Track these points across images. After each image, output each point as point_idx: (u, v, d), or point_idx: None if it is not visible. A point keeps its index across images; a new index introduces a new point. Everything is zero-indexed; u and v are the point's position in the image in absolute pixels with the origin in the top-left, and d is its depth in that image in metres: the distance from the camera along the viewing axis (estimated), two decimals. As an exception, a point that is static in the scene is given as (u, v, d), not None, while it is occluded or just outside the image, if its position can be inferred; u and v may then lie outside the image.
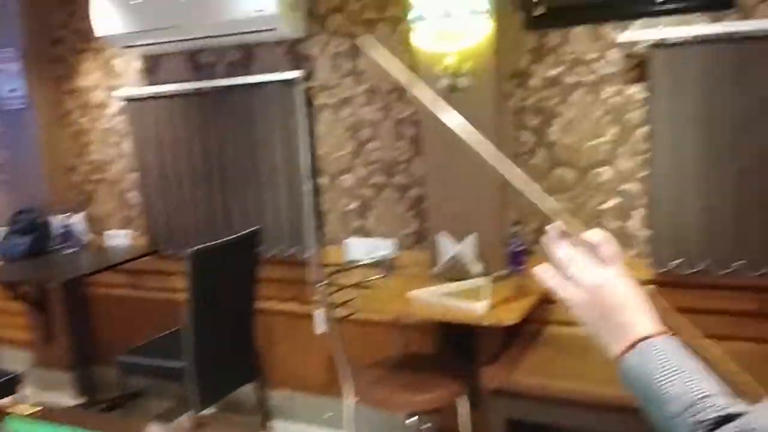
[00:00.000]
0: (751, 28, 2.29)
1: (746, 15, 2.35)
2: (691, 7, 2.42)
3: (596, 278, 0.78)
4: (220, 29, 3.10)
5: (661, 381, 0.70)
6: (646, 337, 0.74)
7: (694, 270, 2.48)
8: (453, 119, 0.87)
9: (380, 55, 0.87)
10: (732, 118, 2.34)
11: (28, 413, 1.55)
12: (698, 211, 2.44)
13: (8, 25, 3.80)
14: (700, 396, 0.68)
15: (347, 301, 2.82)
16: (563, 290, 0.80)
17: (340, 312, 2.89)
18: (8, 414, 1.53)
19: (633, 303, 0.76)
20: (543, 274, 0.82)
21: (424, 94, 0.86)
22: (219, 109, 3.35)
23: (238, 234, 3.17)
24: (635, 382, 0.73)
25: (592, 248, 0.79)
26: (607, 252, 0.79)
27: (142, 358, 3.20)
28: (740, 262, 2.41)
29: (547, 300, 2.78)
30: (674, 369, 0.70)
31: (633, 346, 0.74)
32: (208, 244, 3.04)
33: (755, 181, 2.35)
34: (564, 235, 0.82)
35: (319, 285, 2.74)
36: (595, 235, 0.80)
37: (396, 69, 0.88)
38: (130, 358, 3.22)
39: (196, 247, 2.90)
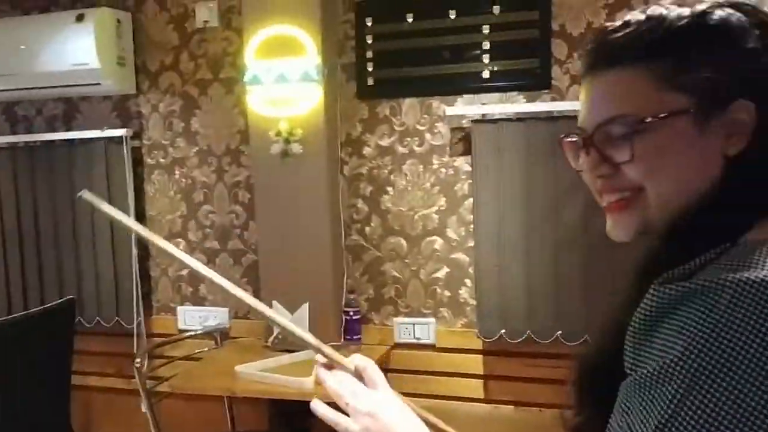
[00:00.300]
0: (564, 108, 2.42)
1: (560, 96, 2.49)
2: (511, 86, 2.53)
3: (369, 405, 0.80)
4: (38, 81, 2.87)
5: None
6: None
7: (519, 340, 2.53)
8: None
9: (105, 207, 0.85)
10: (548, 193, 2.45)
11: None
12: (520, 283, 2.50)
13: None
14: None
15: (170, 377, 2.61)
16: (344, 421, 0.80)
17: (166, 387, 2.68)
18: None
19: (404, 427, 0.79)
20: (320, 408, 0.83)
21: (156, 239, 0.89)
22: (36, 165, 3.08)
23: (48, 305, 2.88)
24: None
25: (358, 374, 0.83)
26: (373, 376, 0.82)
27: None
28: (559, 332, 2.48)
29: (383, 370, 2.73)
30: None
31: None
32: (8, 317, 2.74)
33: (571, 254, 2.45)
34: (330, 366, 0.85)
35: (138, 358, 2.52)
36: (359, 360, 0.84)
37: (124, 219, 0.89)
38: None
39: (-5, 321, 2.59)
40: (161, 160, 3.00)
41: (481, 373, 2.67)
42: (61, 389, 2.93)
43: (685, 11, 0.71)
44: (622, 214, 0.74)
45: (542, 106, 2.46)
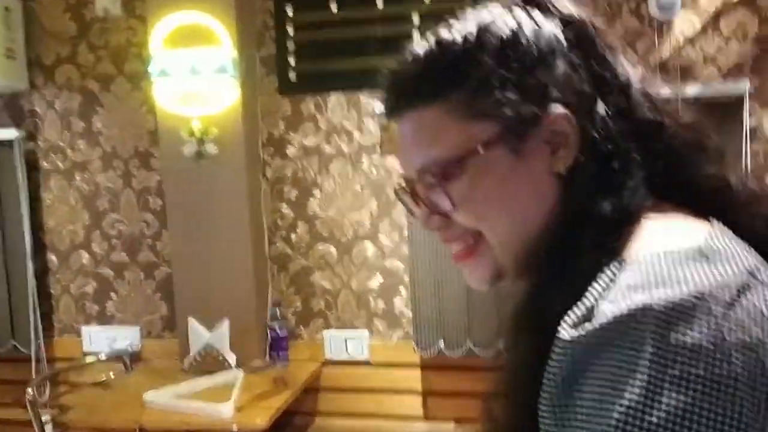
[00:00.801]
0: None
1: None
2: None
3: None
4: None
5: None
6: None
7: (459, 352, 2.35)
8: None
9: None
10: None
11: None
12: (459, 292, 2.33)
13: None
14: None
15: (72, 408, 2.32)
16: None
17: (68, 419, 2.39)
18: None
19: None
20: None
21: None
22: None
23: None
24: None
25: None
26: None
27: None
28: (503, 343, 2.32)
29: (314, 389, 2.52)
30: None
31: None
32: None
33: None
34: None
35: (30, 388, 2.21)
36: None
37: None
38: None
39: None
40: (59, 164, 2.69)
41: (420, 389, 2.48)
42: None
43: (465, 30, 0.65)
44: (469, 262, 0.69)
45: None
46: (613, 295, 0.53)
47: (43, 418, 2.28)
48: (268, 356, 2.47)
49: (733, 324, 0.49)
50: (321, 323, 2.56)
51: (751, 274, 0.53)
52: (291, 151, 2.51)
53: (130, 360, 2.63)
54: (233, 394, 2.15)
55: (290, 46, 2.46)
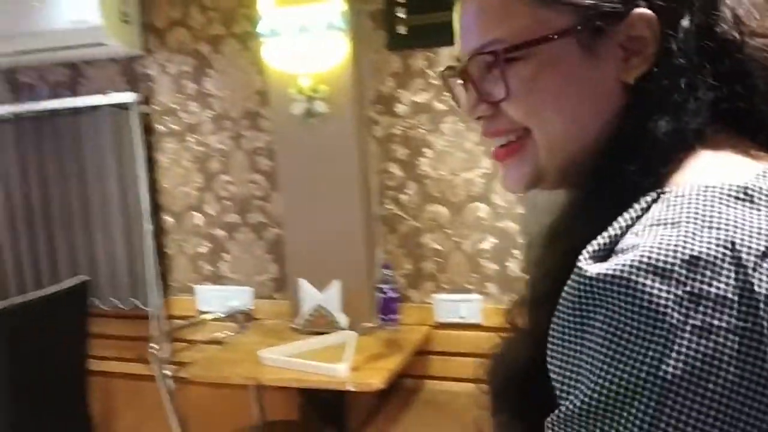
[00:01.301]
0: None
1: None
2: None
3: None
4: (37, 42, 2.61)
5: None
6: None
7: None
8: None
9: None
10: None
11: None
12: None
13: None
14: None
15: (190, 363, 2.39)
16: None
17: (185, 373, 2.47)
18: None
19: None
20: None
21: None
22: (42, 137, 2.85)
23: (59, 286, 2.67)
24: None
25: None
26: None
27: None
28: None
29: (424, 352, 2.48)
30: None
31: None
32: (15, 299, 2.54)
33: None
34: None
35: (153, 344, 2.29)
36: None
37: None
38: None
39: None
40: (173, 126, 2.74)
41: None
42: (77, 374, 2.75)
43: None
44: (509, 162, 0.64)
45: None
46: (641, 228, 0.48)
47: (164, 373, 2.37)
48: (378, 319, 2.45)
49: (764, 276, 0.44)
50: (431, 286, 2.50)
51: None
52: (400, 108, 2.44)
53: (244, 320, 2.70)
54: (347, 354, 2.14)
55: (399, -2, 2.37)
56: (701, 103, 0.56)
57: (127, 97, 2.68)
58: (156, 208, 2.81)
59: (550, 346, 0.51)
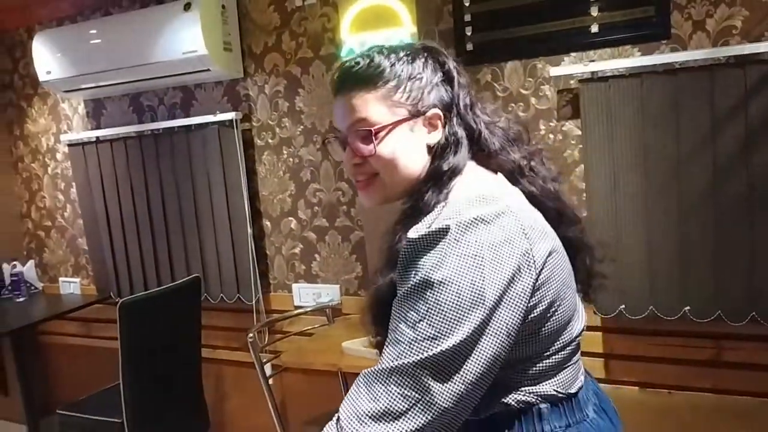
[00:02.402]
0: (686, 58, 2.16)
1: (681, 45, 2.22)
2: (623, 38, 2.29)
3: None
4: (156, 71, 3.02)
5: None
6: None
7: (640, 316, 2.32)
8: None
9: None
10: (668, 155, 2.20)
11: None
12: (639, 254, 2.29)
13: (-43, 71, 3.75)
14: None
15: (284, 352, 2.68)
16: None
17: (280, 362, 2.77)
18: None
19: None
20: None
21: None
22: (160, 152, 3.26)
23: (175, 282, 3.06)
24: None
25: None
26: None
27: (80, 413, 3.06)
28: (686, 308, 2.25)
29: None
30: None
31: None
32: (140, 294, 2.93)
33: (696, 221, 2.20)
34: None
35: (251, 334, 2.60)
36: None
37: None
38: (69, 412, 3.09)
39: (127, 299, 2.79)
40: (270, 140, 3.06)
41: (602, 351, 2.49)
42: (192, 359, 3.12)
43: (398, 56, 1.10)
44: (367, 189, 1.13)
45: (661, 58, 2.19)
46: (434, 220, 1.00)
47: (262, 360, 2.68)
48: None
49: (494, 228, 0.96)
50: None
51: (506, 207, 0.99)
52: (470, 120, 2.61)
53: (332, 314, 2.97)
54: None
55: (467, 17, 2.53)
56: (463, 151, 1.11)
57: (230, 115, 3.03)
58: (256, 214, 3.14)
59: (397, 272, 0.99)
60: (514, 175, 1.15)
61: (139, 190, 3.35)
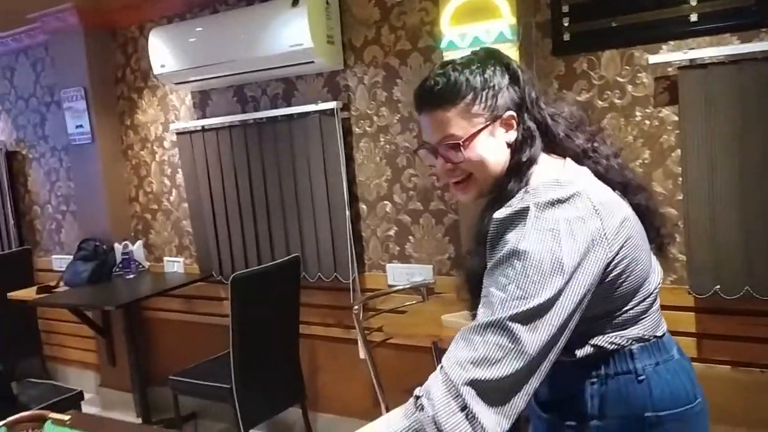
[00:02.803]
0: (786, 45, 2.22)
1: (782, 32, 2.28)
2: (722, 27, 2.36)
3: None
4: (261, 64, 3.24)
5: None
6: None
7: (735, 296, 2.39)
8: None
9: None
10: (765, 140, 2.26)
11: (63, 419, 1.70)
12: (735, 235, 2.36)
13: (75, 66, 4.08)
14: None
15: (381, 327, 2.85)
16: None
17: (377, 337, 2.94)
18: (48, 419, 1.68)
19: None
20: None
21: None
22: (263, 139, 3.48)
23: (279, 261, 3.28)
24: None
25: None
26: None
27: (193, 378, 3.32)
28: (783, 288, 2.31)
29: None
30: None
31: None
32: (249, 270, 3.16)
33: (796, 204, 2.26)
34: None
35: (354, 310, 2.79)
36: None
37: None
38: (181, 378, 3.35)
39: (237, 273, 3.02)
40: (367, 128, 3.24)
41: (694, 331, 2.56)
42: (291, 334, 3.34)
43: (470, 69, 1.25)
44: (462, 189, 1.31)
45: (759, 45, 2.26)
46: (517, 203, 1.20)
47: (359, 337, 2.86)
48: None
49: (568, 207, 1.15)
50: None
51: (578, 189, 1.17)
52: (565, 107, 2.72)
53: (426, 292, 3.13)
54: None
55: (564, 8, 2.64)
56: (537, 143, 1.27)
57: (331, 104, 3.22)
58: (353, 198, 3.33)
59: (488, 248, 1.21)
60: (579, 158, 1.30)
61: (242, 175, 3.58)
